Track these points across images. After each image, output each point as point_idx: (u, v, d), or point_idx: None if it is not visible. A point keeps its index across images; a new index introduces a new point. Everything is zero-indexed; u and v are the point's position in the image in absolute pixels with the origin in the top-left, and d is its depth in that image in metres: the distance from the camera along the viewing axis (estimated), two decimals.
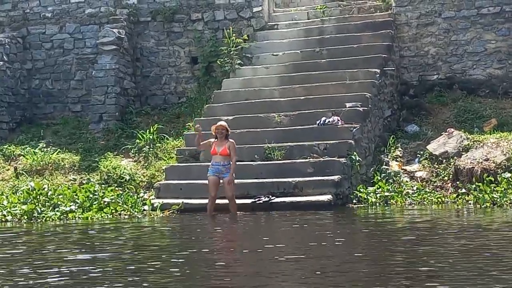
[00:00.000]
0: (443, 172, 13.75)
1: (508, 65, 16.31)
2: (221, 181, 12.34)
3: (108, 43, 17.64)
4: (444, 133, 14.52)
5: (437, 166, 13.95)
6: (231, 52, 16.86)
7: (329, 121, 13.92)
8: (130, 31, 18.26)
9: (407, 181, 13.80)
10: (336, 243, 9.13)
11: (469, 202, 12.36)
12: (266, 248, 8.79)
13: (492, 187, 12.18)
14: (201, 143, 12.83)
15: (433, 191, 13.21)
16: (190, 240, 10.15)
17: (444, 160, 13.92)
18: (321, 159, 13.22)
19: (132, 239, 10.12)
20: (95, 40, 18.41)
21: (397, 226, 10.63)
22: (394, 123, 16.19)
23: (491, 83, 16.34)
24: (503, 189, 11.91)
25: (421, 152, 14.47)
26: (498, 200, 11.76)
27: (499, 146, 13.54)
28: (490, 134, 14.13)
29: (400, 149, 14.90)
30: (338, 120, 13.88)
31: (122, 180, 14.89)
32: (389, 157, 14.60)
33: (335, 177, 12.75)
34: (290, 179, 12.89)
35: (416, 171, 14.10)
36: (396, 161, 14.49)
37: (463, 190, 12.66)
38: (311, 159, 13.29)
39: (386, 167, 14.21)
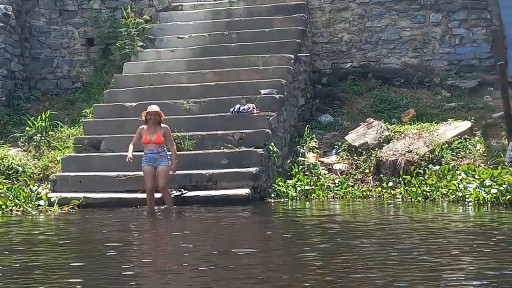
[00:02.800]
0: (364, 164, 12.96)
1: (423, 54, 15.72)
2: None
3: None
4: (363, 123, 13.74)
5: (356, 158, 13.14)
6: (132, 34, 15.49)
7: (243, 109, 12.84)
8: (18, 8, 16.55)
9: (325, 174, 12.93)
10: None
11: (397, 196, 11.57)
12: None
13: (420, 180, 11.43)
14: (132, 143, 11.36)
15: (355, 184, 12.36)
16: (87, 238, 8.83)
17: (364, 152, 13.13)
18: (237, 149, 12.13)
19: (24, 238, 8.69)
20: None
21: (325, 224, 9.68)
22: (308, 112, 15.31)
23: (406, 72, 15.71)
24: (433, 182, 11.17)
25: (339, 143, 13.63)
26: (430, 194, 11.00)
27: (421, 137, 12.87)
28: (411, 125, 13.45)
29: (315, 140, 14.02)
30: (254, 108, 12.82)
31: (10, 172, 13.31)
32: (305, 148, 13.69)
33: (253, 169, 11.69)
34: (203, 171, 11.73)
35: (334, 163, 13.25)
36: (313, 152, 13.58)
37: (390, 184, 11.85)
38: (225, 150, 12.18)
39: (303, 159, 13.29)
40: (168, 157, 11.01)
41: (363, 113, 14.75)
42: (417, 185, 11.21)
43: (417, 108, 14.39)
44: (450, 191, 10.81)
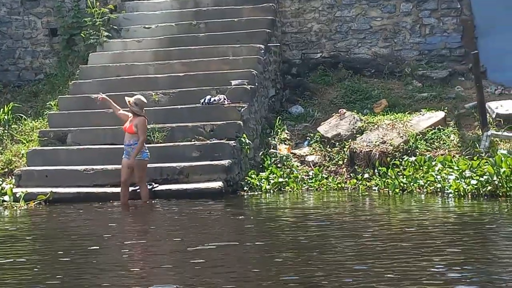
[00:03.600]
0: (337, 156, 12.74)
1: (393, 44, 15.53)
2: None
3: None
4: (335, 114, 13.52)
5: (330, 150, 12.91)
6: (97, 24, 15.06)
7: (214, 100, 12.54)
8: None
9: (298, 166, 12.69)
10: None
11: (373, 188, 11.38)
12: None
13: (396, 172, 11.25)
14: (118, 112, 11.20)
15: (329, 176, 12.14)
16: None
17: (337, 143, 12.91)
18: (208, 141, 11.83)
19: None
20: None
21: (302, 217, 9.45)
22: (278, 103, 15.05)
23: (377, 62, 15.51)
24: (410, 173, 11.00)
25: (311, 135, 13.39)
26: (407, 185, 10.82)
27: (395, 128, 12.69)
28: (384, 116, 13.26)
29: (287, 131, 13.76)
30: (224, 99, 12.52)
31: None
32: (276, 140, 13.43)
33: (225, 162, 11.41)
34: (174, 164, 11.42)
35: (307, 155, 13.01)
36: (285, 144, 13.33)
37: (366, 176, 11.65)
38: (196, 142, 11.87)
39: (274, 150, 13.04)
40: (143, 150, 10.67)
41: (334, 104, 14.52)
42: (393, 177, 11.01)
43: (389, 98, 14.21)
44: (428, 182, 10.64)
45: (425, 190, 10.74)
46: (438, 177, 10.53)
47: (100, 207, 10.52)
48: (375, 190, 11.33)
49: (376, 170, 11.67)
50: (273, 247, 7.31)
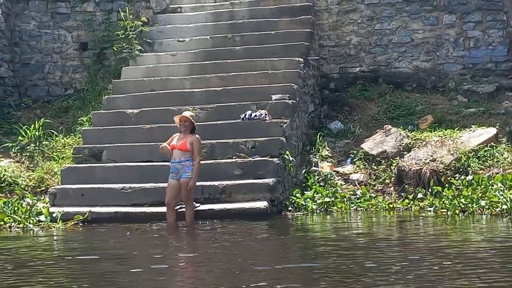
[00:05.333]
0: (383, 174, 12.15)
1: (436, 58, 14.99)
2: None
3: None
4: (379, 130, 12.95)
5: (375, 168, 12.34)
6: (130, 37, 14.60)
7: (255, 115, 12.00)
8: (7, 11, 15.59)
9: (341, 185, 12.11)
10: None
11: (427, 209, 10.75)
12: None
13: (453, 192, 10.56)
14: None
15: (377, 195, 11.55)
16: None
17: (383, 161, 12.33)
18: (250, 159, 11.27)
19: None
20: None
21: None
22: (316, 119, 14.50)
23: (419, 76, 14.95)
24: (469, 193, 10.37)
25: (354, 152, 12.82)
26: (468, 206, 10.18)
27: (444, 145, 12.09)
28: (431, 132, 12.68)
29: (327, 148, 13.21)
30: (266, 115, 11.98)
31: (3, 185, 12.34)
32: (317, 157, 12.87)
33: (269, 180, 10.84)
34: (215, 183, 10.85)
35: (351, 173, 12.44)
36: (327, 162, 12.77)
37: (420, 195, 11.03)
38: (238, 159, 11.31)
39: (316, 168, 12.47)
40: (193, 167, 10.13)
41: (376, 120, 13.97)
42: (451, 197, 10.37)
43: (434, 114, 13.64)
44: (491, 203, 9.99)
45: (487, 211, 10.08)
46: (502, 197, 9.88)
47: (143, 228, 9.92)
48: (430, 211, 10.69)
49: (429, 190, 11.02)
50: (342, 271, 6.71)
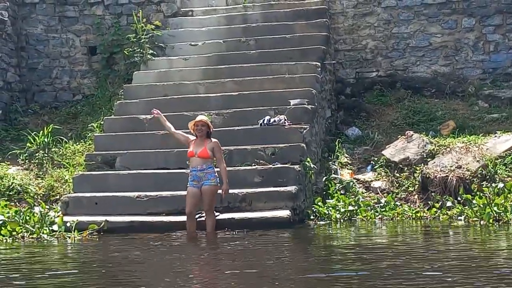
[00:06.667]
0: (406, 181, 11.73)
1: (455, 62, 14.61)
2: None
3: None
4: (401, 136, 12.53)
5: (397, 175, 11.91)
6: (142, 41, 14.18)
7: (274, 121, 11.58)
8: (14, 14, 15.17)
9: (363, 192, 11.69)
10: None
11: (458, 218, 10.31)
12: None
13: (486, 201, 10.11)
14: (173, 131, 10.31)
15: (403, 204, 11.12)
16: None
17: (406, 168, 11.90)
18: (271, 166, 10.83)
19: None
20: None
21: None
22: (333, 126, 14.09)
23: (437, 81, 14.57)
24: (502, 201, 9.94)
25: (375, 159, 12.40)
26: (502, 215, 9.74)
27: (469, 151, 11.68)
28: (455, 138, 12.26)
29: (346, 155, 12.79)
30: (285, 120, 11.56)
31: (11, 193, 11.91)
32: (336, 164, 12.45)
33: (291, 188, 10.40)
34: (235, 191, 10.39)
35: (372, 181, 12.02)
36: (347, 169, 12.35)
37: (449, 204, 10.60)
38: (258, 166, 10.88)
39: (336, 176, 12.05)
40: (215, 174, 9.68)
41: (395, 126, 13.58)
42: (482, 205, 9.93)
43: (456, 119, 13.24)
44: None
45: None
46: None
47: (162, 238, 9.45)
48: (460, 220, 10.24)
49: (458, 198, 10.60)
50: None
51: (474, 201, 10.18)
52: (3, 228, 9.55)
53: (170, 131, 10.45)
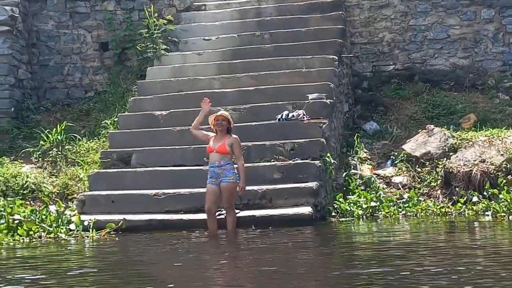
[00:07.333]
0: (428, 176, 11.47)
1: (474, 54, 14.32)
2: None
3: None
4: (421, 130, 12.27)
5: (419, 170, 11.65)
6: (155, 36, 13.94)
7: (293, 116, 11.32)
8: (24, 10, 14.95)
9: (384, 188, 11.44)
10: None
11: (481, 212, 10.06)
12: None
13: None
14: (197, 130, 9.97)
15: (426, 199, 10.86)
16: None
17: (427, 163, 11.65)
18: (291, 162, 10.59)
19: None
20: None
21: None
22: (351, 120, 13.84)
23: (456, 74, 14.28)
24: None
25: (395, 154, 12.15)
26: None
27: (492, 145, 11.42)
28: (477, 132, 11.99)
29: (365, 150, 12.54)
30: (304, 115, 11.31)
31: (25, 192, 11.69)
32: (356, 159, 12.19)
33: (312, 184, 10.15)
34: (255, 187, 10.16)
35: (392, 176, 11.77)
36: (366, 164, 12.09)
37: (475, 199, 10.34)
38: (277, 162, 10.64)
39: (356, 171, 11.80)
40: (234, 171, 9.42)
41: (414, 120, 13.31)
42: (510, 200, 9.66)
43: (476, 113, 12.97)
44: None
45: None
46: None
47: (183, 237, 9.20)
48: (487, 215, 9.98)
49: (484, 193, 10.33)
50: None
51: (501, 196, 9.91)
52: (19, 227, 9.31)
53: (196, 127, 10.07)
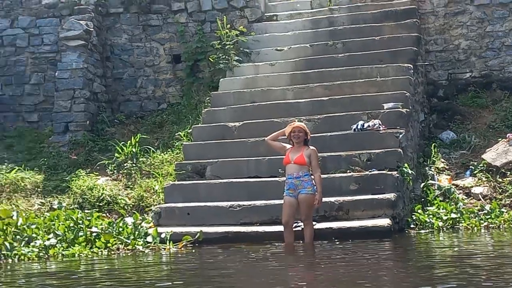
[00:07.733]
0: (510, 187, 11.10)
1: None
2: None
3: (74, 37, 14.52)
4: (502, 140, 11.91)
5: (500, 180, 11.29)
6: (227, 47, 13.93)
7: (368, 126, 11.12)
8: (98, 25, 15.15)
9: (463, 199, 11.12)
10: None
11: None
12: None
13: None
14: (275, 141, 9.92)
15: (508, 210, 10.50)
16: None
17: (509, 173, 11.28)
18: (367, 173, 10.39)
19: None
20: (54, 35, 15.33)
21: None
22: (426, 129, 13.54)
23: None
24: None
25: (474, 164, 11.81)
26: None
27: None
28: None
29: (442, 160, 12.23)
30: (380, 125, 11.09)
31: (101, 204, 11.82)
32: (433, 169, 11.90)
33: (390, 196, 9.93)
34: (331, 199, 10.00)
35: (472, 186, 11.43)
36: (444, 174, 11.79)
37: None
38: (353, 173, 10.45)
39: (433, 181, 11.51)
40: (312, 182, 9.28)
41: (493, 129, 12.95)
42: None
43: None
44: None
45: None
46: None
47: (260, 249, 9.08)
48: None
49: None
50: None
51: None
52: (97, 240, 9.37)
53: (275, 138, 9.98)
